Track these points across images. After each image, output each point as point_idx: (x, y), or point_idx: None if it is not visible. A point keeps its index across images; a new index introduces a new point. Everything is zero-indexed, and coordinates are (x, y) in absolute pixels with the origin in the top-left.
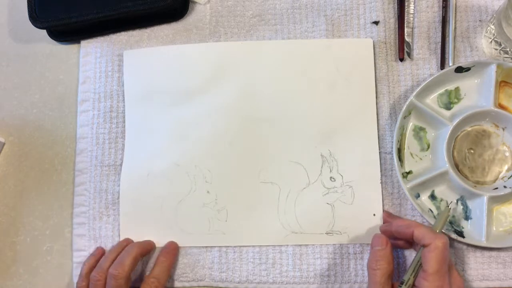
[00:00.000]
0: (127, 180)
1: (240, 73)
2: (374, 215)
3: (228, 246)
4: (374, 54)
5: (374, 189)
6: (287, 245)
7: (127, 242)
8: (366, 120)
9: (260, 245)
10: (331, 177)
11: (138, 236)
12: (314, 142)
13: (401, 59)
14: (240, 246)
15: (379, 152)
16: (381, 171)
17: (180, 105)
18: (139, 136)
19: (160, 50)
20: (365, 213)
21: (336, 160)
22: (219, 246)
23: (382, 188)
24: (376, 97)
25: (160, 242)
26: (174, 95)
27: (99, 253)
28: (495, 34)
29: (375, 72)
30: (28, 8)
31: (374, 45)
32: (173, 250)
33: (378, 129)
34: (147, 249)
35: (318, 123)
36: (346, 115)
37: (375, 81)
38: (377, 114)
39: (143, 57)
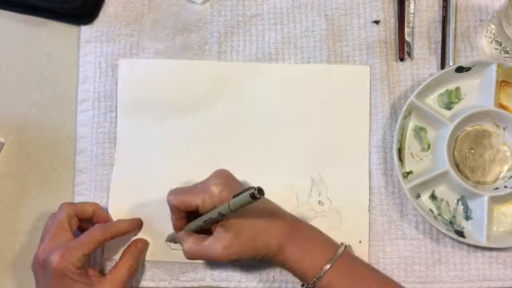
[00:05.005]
0: (117, 196)
1: (235, 94)
2: (360, 242)
3: None
4: (371, 75)
5: (361, 216)
6: None
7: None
8: (358, 148)
9: None
10: (319, 201)
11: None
12: (305, 165)
13: (401, 59)
14: None
15: (369, 183)
16: (380, 170)
17: (173, 121)
18: (131, 148)
19: (157, 63)
20: (352, 239)
21: (326, 185)
22: None
23: (369, 213)
24: (377, 97)
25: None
26: (169, 110)
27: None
28: (496, 34)
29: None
30: None
31: (371, 72)
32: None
33: (369, 161)
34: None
35: (311, 147)
36: (339, 140)
37: (370, 108)
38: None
39: (139, 69)
